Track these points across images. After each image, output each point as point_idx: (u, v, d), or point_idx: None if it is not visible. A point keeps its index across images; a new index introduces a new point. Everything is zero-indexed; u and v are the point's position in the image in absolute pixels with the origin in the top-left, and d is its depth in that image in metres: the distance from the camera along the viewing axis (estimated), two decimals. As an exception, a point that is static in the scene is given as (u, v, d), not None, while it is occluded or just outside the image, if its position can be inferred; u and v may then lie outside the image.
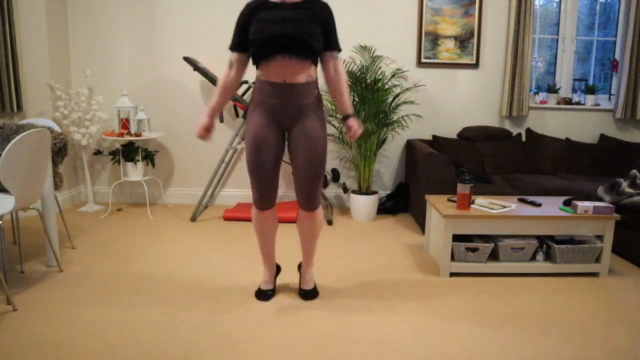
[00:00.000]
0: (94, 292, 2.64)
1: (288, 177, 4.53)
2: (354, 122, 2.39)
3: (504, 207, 3.02)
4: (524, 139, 4.49)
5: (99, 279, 2.81)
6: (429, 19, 4.32)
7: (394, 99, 4.17)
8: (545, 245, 3.03)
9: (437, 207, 3.02)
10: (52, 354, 2.04)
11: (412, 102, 4.45)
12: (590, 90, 4.53)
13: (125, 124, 4.08)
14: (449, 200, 3.19)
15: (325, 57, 2.36)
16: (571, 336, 2.26)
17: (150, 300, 2.55)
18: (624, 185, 3.35)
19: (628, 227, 3.25)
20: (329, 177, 4.02)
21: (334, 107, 4.12)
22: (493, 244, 2.95)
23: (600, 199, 3.41)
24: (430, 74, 4.43)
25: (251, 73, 4.31)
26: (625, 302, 2.65)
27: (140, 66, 4.37)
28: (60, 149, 3.03)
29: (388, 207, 4.34)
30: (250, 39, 2.25)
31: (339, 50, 2.37)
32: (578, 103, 4.55)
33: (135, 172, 4.12)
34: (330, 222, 4.00)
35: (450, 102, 4.49)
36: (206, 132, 2.38)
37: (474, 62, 4.40)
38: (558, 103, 4.54)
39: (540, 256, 3.00)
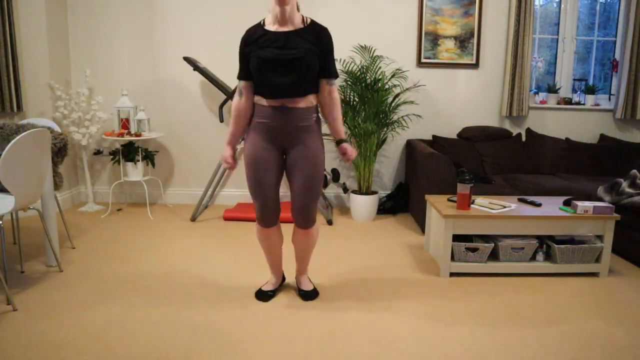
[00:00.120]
0: (94, 292, 2.64)
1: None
2: (348, 146, 2.41)
3: (504, 207, 3.02)
4: (524, 139, 4.49)
5: (99, 279, 2.81)
6: (429, 19, 4.32)
7: (394, 99, 4.17)
8: (545, 245, 3.03)
9: (437, 207, 3.02)
10: (52, 354, 2.04)
11: (412, 102, 4.45)
12: (590, 90, 4.53)
13: (125, 124, 4.08)
14: (449, 200, 3.19)
15: (323, 84, 2.35)
16: (571, 336, 2.26)
17: (150, 300, 2.55)
18: (624, 185, 3.35)
19: (628, 227, 3.25)
20: (329, 177, 4.02)
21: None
22: (493, 244, 2.95)
23: (600, 199, 3.41)
24: (430, 74, 4.43)
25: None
26: (625, 302, 2.65)
27: (140, 66, 4.37)
28: (60, 149, 3.03)
29: (388, 207, 4.34)
30: (252, 73, 2.28)
31: (336, 77, 2.36)
32: (578, 103, 4.55)
33: (135, 172, 4.12)
34: (330, 222, 4.00)
35: (450, 102, 4.49)
36: (233, 161, 2.44)
37: (474, 62, 4.40)
38: (558, 103, 4.54)
39: (540, 256, 3.00)
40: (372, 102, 3.92)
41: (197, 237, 3.59)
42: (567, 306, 2.58)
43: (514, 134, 4.47)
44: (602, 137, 4.49)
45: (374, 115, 3.98)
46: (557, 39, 4.54)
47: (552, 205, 3.11)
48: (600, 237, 3.01)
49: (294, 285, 2.78)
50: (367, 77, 4.03)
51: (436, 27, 4.33)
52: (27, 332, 2.20)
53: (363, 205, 4.07)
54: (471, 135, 4.32)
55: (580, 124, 4.57)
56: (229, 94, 3.94)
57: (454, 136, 4.52)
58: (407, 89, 4.42)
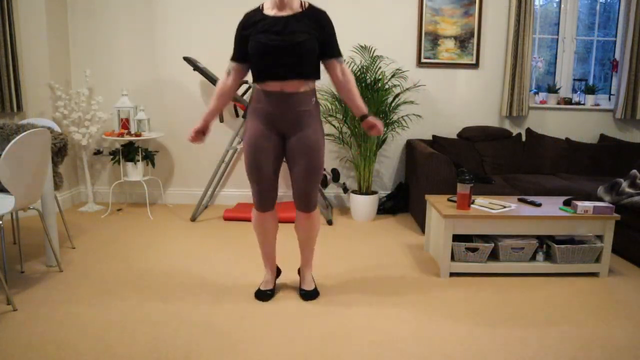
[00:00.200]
0: (94, 292, 2.64)
1: (288, 177, 4.54)
2: (374, 119, 2.39)
3: (504, 207, 3.02)
4: (524, 139, 4.49)
5: (99, 279, 2.81)
6: (429, 19, 4.32)
7: (394, 99, 4.17)
8: (545, 245, 3.03)
9: (437, 207, 3.02)
10: (52, 354, 2.04)
11: (412, 102, 4.45)
12: (590, 90, 4.53)
13: (125, 124, 4.08)
14: (449, 200, 3.19)
15: (330, 64, 2.36)
16: (571, 336, 2.26)
17: (150, 300, 2.55)
18: (624, 185, 3.35)
19: (628, 227, 3.25)
20: (329, 177, 4.02)
21: (333, 107, 4.12)
22: (493, 244, 2.95)
23: (600, 199, 3.41)
24: (430, 74, 4.43)
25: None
26: (625, 302, 2.65)
27: (140, 66, 4.37)
28: (60, 149, 3.03)
29: (388, 207, 4.34)
30: (250, 57, 2.28)
31: (341, 55, 2.38)
32: (578, 103, 4.55)
33: (135, 172, 4.12)
34: (330, 222, 4.00)
35: (450, 102, 4.49)
36: (198, 134, 2.41)
37: (474, 62, 4.40)
38: (558, 103, 4.54)
39: (540, 256, 3.00)
40: (372, 102, 3.92)
41: (197, 237, 3.59)
42: (567, 306, 2.58)
43: (514, 134, 4.47)
44: (602, 137, 4.49)
45: (374, 115, 3.97)
46: (557, 39, 4.54)
47: (552, 205, 3.11)
48: (600, 237, 3.01)
49: (293, 285, 2.78)
50: (367, 77, 4.03)
51: (436, 27, 4.33)
52: (27, 332, 2.20)
53: (363, 205, 4.07)
54: (471, 135, 4.32)
55: (580, 124, 4.57)
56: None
57: (454, 136, 4.52)
58: (407, 89, 4.42)
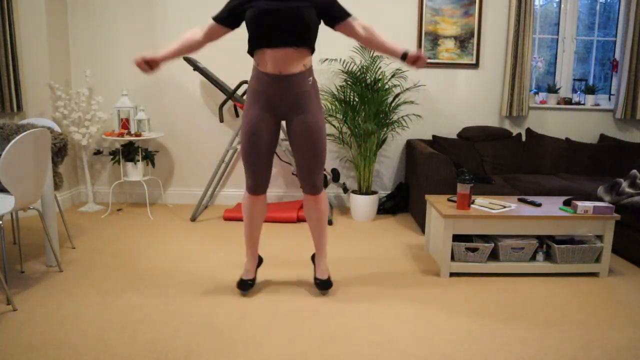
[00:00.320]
0: (94, 292, 2.64)
1: (288, 177, 4.53)
2: (414, 52, 2.36)
3: (504, 207, 3.02)
4: (524, 139, 4.49)
5: (99, 279, 2.81)
6: (429, 19, 4.32)
7: (394, 99, 4.17)
8: (545, 245, 3.03)
9: (437, 207, 3.02)
10: (52, 354, 2.04)
11: (412, 102, 4.45)
12: (590, 90, 4.53)
13: (125, 124, 4.08)
14: (449, 200, 3.19)
15: (347, 26, 2.38)
16: (571, 336, 2.26)
17: (150, 300, 2.55)
18: (624, 185, 3.35)
19: (628, 227, 3.25)
20: (329, 177, 4.02)
21: (333, 107, 4.12)
22: (493, 244, 2.95)
23: (600, 199, 3.41)
24: (430, 74, 4.43)
25: (247, 72, 4.30)
26: (625, 302, 2.65)
27: (140, 66, 4.36)
28: (60, 149, 3.03)
29: (388, 207, 4.34)
30: (247, 28, 2.30)
31: (351, 14, 2.39)
32: (578, 103, 4.55)
33: (135, 172, 4.12)
34: (330, 222, 4.00)
35: (450, 102, 4.49)
36: (146, 63, 2.31)
37: (474, 62, 4.40)
38: (558, 103, 4.54)
39: (540, 256, 3.00)
40: (372, 102, 3.93)
41: (197, 237, 3.59)
42: (567, 306, 2.58)
43: (514, 134, 4.47)
44: (602, 137, 4.49)
45: (374, 115, 3.98)
46: (557, 39, 4.54)
47: (552, 205, 3.11)
48: (600, 237, 3.01)
49: (294, 285, 2.78)
50: (367, 77, 4.03)
51: (436, 27, 4.33)
52: (27, 332, 2.20)
53: (363, 205, 4.07)
54: (471, 135, 4.32)
55: (580, 124, 4.57)
56: (229, 94, 3.94)
57: (454, 136, 4.52)
58: (407, 89, 4.42)
